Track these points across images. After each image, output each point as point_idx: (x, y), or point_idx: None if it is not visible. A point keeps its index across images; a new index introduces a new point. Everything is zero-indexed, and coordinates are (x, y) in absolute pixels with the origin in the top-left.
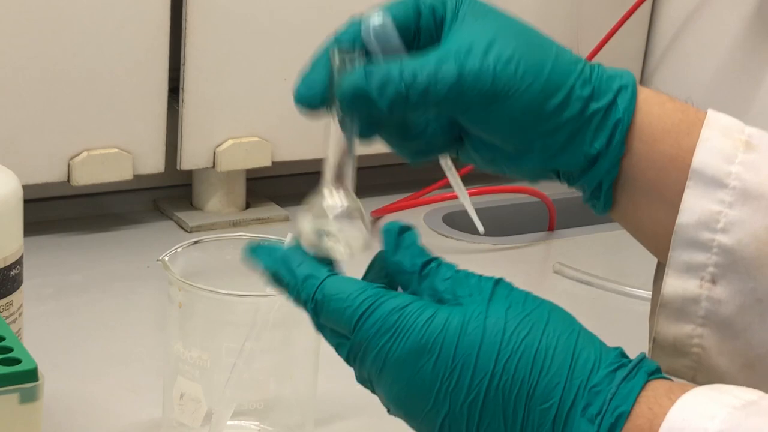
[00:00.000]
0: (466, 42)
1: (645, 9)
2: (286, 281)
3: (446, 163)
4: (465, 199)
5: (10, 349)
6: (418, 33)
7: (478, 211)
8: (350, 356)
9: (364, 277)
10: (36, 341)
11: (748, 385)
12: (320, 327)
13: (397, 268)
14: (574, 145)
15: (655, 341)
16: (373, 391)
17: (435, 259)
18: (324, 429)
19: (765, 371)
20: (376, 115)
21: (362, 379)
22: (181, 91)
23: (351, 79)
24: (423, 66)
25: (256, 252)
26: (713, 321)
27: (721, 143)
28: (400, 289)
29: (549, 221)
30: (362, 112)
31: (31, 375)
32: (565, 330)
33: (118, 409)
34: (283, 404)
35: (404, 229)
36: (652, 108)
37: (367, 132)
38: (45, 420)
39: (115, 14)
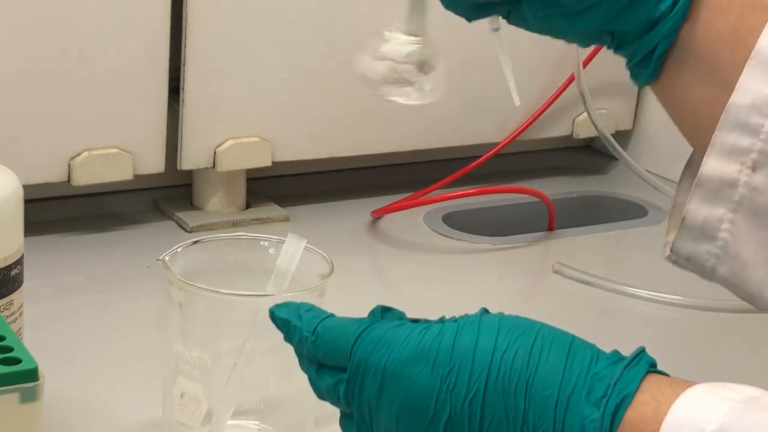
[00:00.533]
0: None
1: None
2: (293, 323)
3: (497, 24)
4: (507, 67)
5: (10, 349)
6: None
7: (478, 211)
8: (349, 386)
9: None
10: (36, 341)
11: (762, 281)
12: (316, 379)
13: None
14: (639, 4)
15: (683, 221)
16: (366, 410)
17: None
18: (324, 429)
19: None
20: None
21: (360, 420)
22: (181, 91)
23: None
24: None
25: (277, 309)
26: (747, 208)
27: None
28: None
29: (549, 221)
30: None
31: (32, 375)
32: (558, 333)
33: (118, 409)
34: (283, 404)
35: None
36: None
37: None
38: (45, 420)
39: (115, 14)
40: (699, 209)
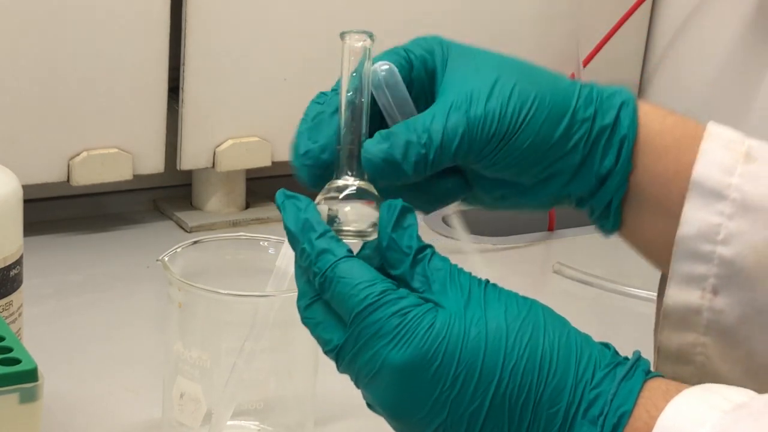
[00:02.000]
0: (466, 89)
1: (645, 9)
2: (302, 247)
3: (457, 213)
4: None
5: (10, 349)
6: (411, 85)
7: (478, 211)
8: (345, 348)
9: (360, 251)
10: (36, 341)
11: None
12: (311, 317)
13: (392, 245)
14: (586, 167)
15: (659, 350)
16: (354, 380)
17: (429, 246)
18: (324, 429)
19: (765, 380)
20: (402, 178)
21: (347, 370)
22: (181, 91)
23: (378, 148)
24: (433, 123)
25: (284, 205)
26: (715, 330)
27: (721, 155)
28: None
29: (549, 221)
30: (390, 179)
31: (31, 375)
32: (562, 330)
33: (118, 409)
34: (283, 404)
35: (405, 210)
36: (654, 123)
37: (388, 194)
38: (45, 420)
39: (115, 14)
40: (671, 339)
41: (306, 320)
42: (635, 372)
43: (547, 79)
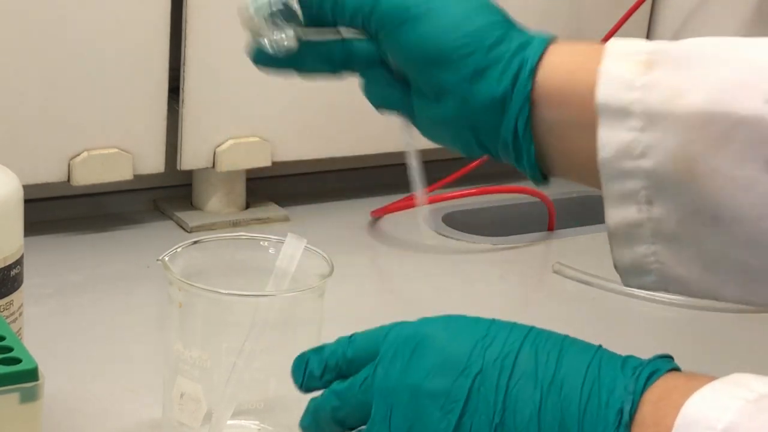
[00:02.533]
0: None
1: (645, 9)
2: (327, 353)
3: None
4: (412, 157)
5: (10, 349)
6: None
7: (478, 211)
8: (382, 361)
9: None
10: (36, 341)
11: (709, 288)
12: None
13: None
14: (483, 83)
15: (618, 268)
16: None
17: None
18: None
19: (724, 273)
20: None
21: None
22: (181, 91)
23: None
24: None
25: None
26: (661, 237)
27: (620, 70)
28: None
29: (549, 221)
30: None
31: (32, 375)
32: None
33: (118, 409)
34: (283, 404)
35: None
36: (562, 48)
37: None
38: (45, 420)
39: (115, 14)
40: (623, 255)
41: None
42: (670, 357)
43: (484, 4)
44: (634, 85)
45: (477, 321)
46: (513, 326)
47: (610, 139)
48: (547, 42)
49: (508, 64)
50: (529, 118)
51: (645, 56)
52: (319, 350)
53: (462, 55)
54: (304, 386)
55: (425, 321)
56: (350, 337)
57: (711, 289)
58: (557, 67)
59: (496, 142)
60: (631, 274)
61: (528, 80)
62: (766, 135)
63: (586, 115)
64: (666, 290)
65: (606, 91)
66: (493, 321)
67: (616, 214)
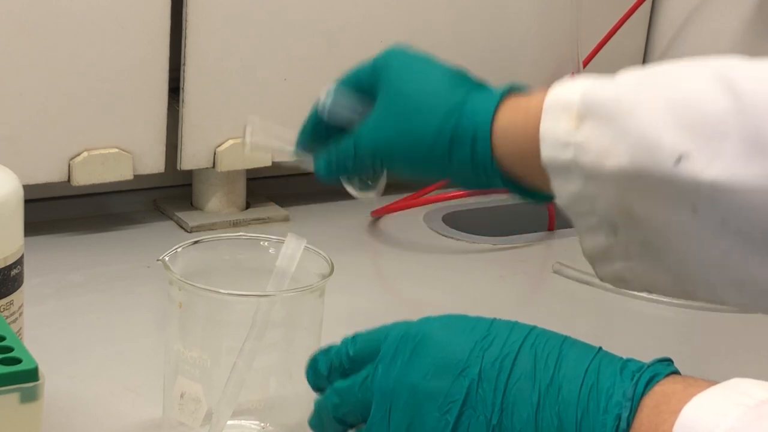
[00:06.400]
0: (370, 122)
1: (645, 9)
2: (332, 354)
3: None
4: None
5: (10, 349)
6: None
7: (478, 211)
8: (383, 358)
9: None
10: (36, 341)
11: (683, 292)
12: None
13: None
14: (455, 156)
15: (602, 279)
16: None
17: None
18: None
19: (690, 284)
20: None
21: (380, 400)
22: (181, 91)
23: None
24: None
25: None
26: (631, 256)
27: (556, 129)
28: None
29: (549, 221)
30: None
31: (32, 375)
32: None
33: (118, 409)
34: (284, 403)
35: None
36: (511, 113)
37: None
38: (45, 420)
39: (115, 14)
40: (603, 270)
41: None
42: (670, 362)
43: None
44: (568, 144)
45: (477, 321)
46: (513, 326)
47: (561, 189)
48: (493, 109)
49: (473, 138)
50: (498, 171)
51: (576, 110)
52: (326, 351)
53: (437, 145)
54: (314, 386)
55: (426, 321)
56: (353, 336)
57: (685, 293)
58: (507, 133)
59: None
60: (615, 283)
61: (487, 147)
62: (683, 190)
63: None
64: (649, 292)
65: (547, 152)
66: (493, 321)
67: (588, 242)
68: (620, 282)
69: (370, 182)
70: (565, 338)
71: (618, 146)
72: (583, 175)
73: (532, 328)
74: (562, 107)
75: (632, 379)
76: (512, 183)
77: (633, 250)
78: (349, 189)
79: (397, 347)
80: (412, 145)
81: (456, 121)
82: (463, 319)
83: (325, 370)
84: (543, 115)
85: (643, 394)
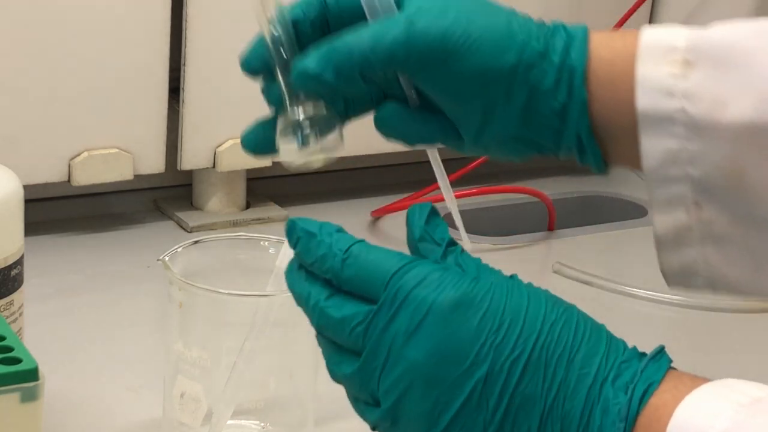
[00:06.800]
0: (417, 5)
1: (645, 9)
2: (320, 238)
3: (433, 154)
4: (449, 194)
5: (10, 349)
6: None
7: (478, 211)
8: (377, 317)
9: None
10: (36, 341)
11: (760, 287)
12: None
13: (425, 236)
14: (538, 102)
15: (665, 274)
16: (386, 349)
17: (458, 244)
18: (324, 428)
19: None
20: (327, 87)
21: (371, 358)
22: (181, 91)
23: (299, 62)
24: (371, 28)
25: (301, 220)
26: (711, 239)
27: (657, 75)
28: None
29: (549, 221)
30: (318, 89)
31: (32, 374)
32: (592, 319)
33: (118, 409)
34: (284, 403)
35: (434, 211)
36: (603, 52)
37: (333, 102)
38: (45, 420)
39: (115, 14)
40: (671, 260)
41: (328, 310)
42: (662, 357)
43: (504, 12)
44: (673, 92)
45: (491, 303)
46: (527, 312)
47: (654, 147)
48: (585, 42)
49: (560, 74)
50: (589, 124)
51: (681, 55)
52: (311, 236)
53: (516, 74)
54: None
55: (436, 285)
56: (347, 255)
57: (761, 289)
58: (601, 73)
59: (558, 148)
60: (678, 278)
61: (582, 87)
62: None
63: (635, 119)
64: (713, 291)
65: (646, 100)
66: (506, 303)
67: (664, 219)
68: (686, 276)
69: (316, 132)
70: (574, 336)
71: (740, 96)
72: (690, 128)
73: (545, 316)
74: (664, 50)
75: (626, 392)
76: (591, 143)
77: (716, 231)
78: (285, 144)
79: (397, 311)
80: (483, 59)
81: (545, 42)
82: (474, 299)
83: (313, 256)
84: (638, 57)
85: (638, 412)
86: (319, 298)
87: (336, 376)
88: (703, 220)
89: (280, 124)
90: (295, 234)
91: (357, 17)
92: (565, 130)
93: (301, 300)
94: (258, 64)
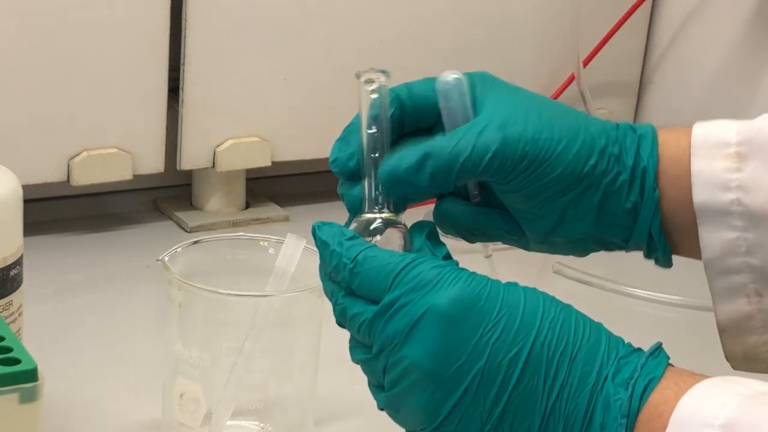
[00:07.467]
0: (501, 113)
1: (645, 9)
2: (333, 248)
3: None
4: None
5: (9, 349)
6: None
7: None
8: (376, 319)
9: None
10: (36, 341)
11: None
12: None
13: (424, 248)
14: (612, 203)
15: (728, 357)
16: (389, 345)
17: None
18: (324, 429)
19: None
20: (418, 191)
21: (379, 352)
22: (181, 91)
23: (389, 163)
24: (465, 137)
25: (320, 228)
26: None
27: (713, 169)
28: None
29: None
30: (406, 192)
31: (31, 375)
32: (589, 318)
33: (118, 409)
34: (283, 404)
35: (435, 228)
36: (671, 151)
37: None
38: (45, 420)
39: (115, 14)
40: (734, 345)
41: (344, 307)
42: (660, 353)
43: (580, 116)
44: (729, 185)
45: (486, 301)
46: (524, 307)
47: (712, 239)
48: (656, 143)
49: (633, 175)
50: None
51: (734, 149)
52: (325, 246)
53: (593, 176)
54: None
55: (432, 285)
56: (355, 259)
57: None
58: (670, 171)
59: (626, 244)
60: (743, 363)
61: (654, 187)
62: None
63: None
64: None
65: (703, 194)
66: (501, 305)
67: (725, 309)
68: (748, 362)
69: (379, 220)
70: (574, 333)
71: None
72: (747, 218)
73: (543, 312)
74: (716, 145)
75: (626, 388)
76: (662, 240)
77: None
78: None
79: (395, 311)
80: (571, 156)
81: (617, 140)
82: (472, 295)
83: (329, 266)
84: (693, 153)
85: (639, 408)
86: (338, 296)
87: (353, 359)
88: (765, 308)
89: (356, 226)
90: (316, 241)
91: (430, 116)
92: (636, 227)
93: (328, 295)
94: (354, 164)
